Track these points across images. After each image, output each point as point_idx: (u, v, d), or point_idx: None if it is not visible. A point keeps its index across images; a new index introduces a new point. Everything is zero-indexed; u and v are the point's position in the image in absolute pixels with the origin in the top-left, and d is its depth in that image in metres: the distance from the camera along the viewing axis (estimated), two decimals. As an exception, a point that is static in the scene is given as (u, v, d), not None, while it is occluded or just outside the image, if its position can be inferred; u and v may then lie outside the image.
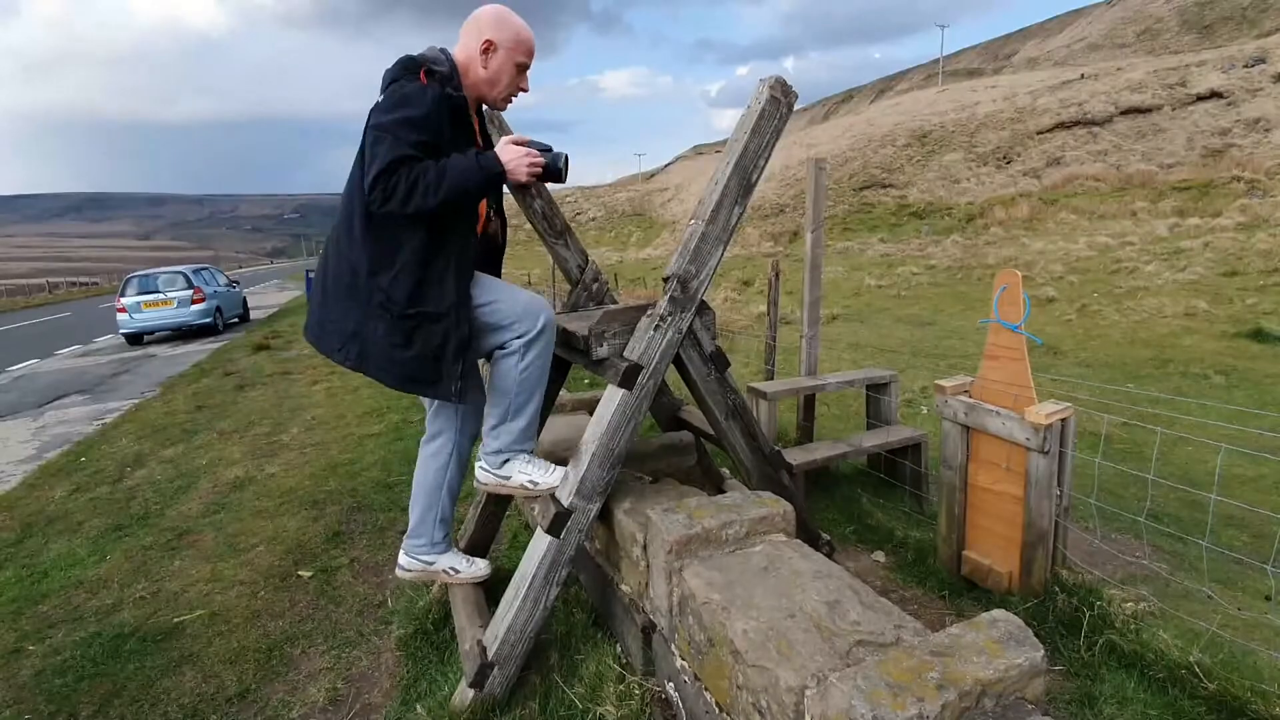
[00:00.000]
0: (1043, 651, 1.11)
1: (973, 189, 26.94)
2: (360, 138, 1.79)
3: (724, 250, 1.98)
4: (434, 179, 1.65)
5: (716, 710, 1.43)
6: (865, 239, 23.49)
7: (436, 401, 2.06)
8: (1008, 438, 2.41)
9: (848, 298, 13.87)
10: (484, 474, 2.07)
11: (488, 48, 1.88)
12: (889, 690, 1.01)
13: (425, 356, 1.79)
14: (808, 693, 1.12)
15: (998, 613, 1.21)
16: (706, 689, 1.47)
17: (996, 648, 1.10)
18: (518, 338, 1.94)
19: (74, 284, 47.65)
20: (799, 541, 1.67)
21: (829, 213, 28.92)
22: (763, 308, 12.20)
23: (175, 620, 2.71)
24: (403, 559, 2.20)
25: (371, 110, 1.76)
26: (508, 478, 2.03)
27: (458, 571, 2.21)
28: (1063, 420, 2.31)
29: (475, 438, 2.16)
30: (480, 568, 2.24)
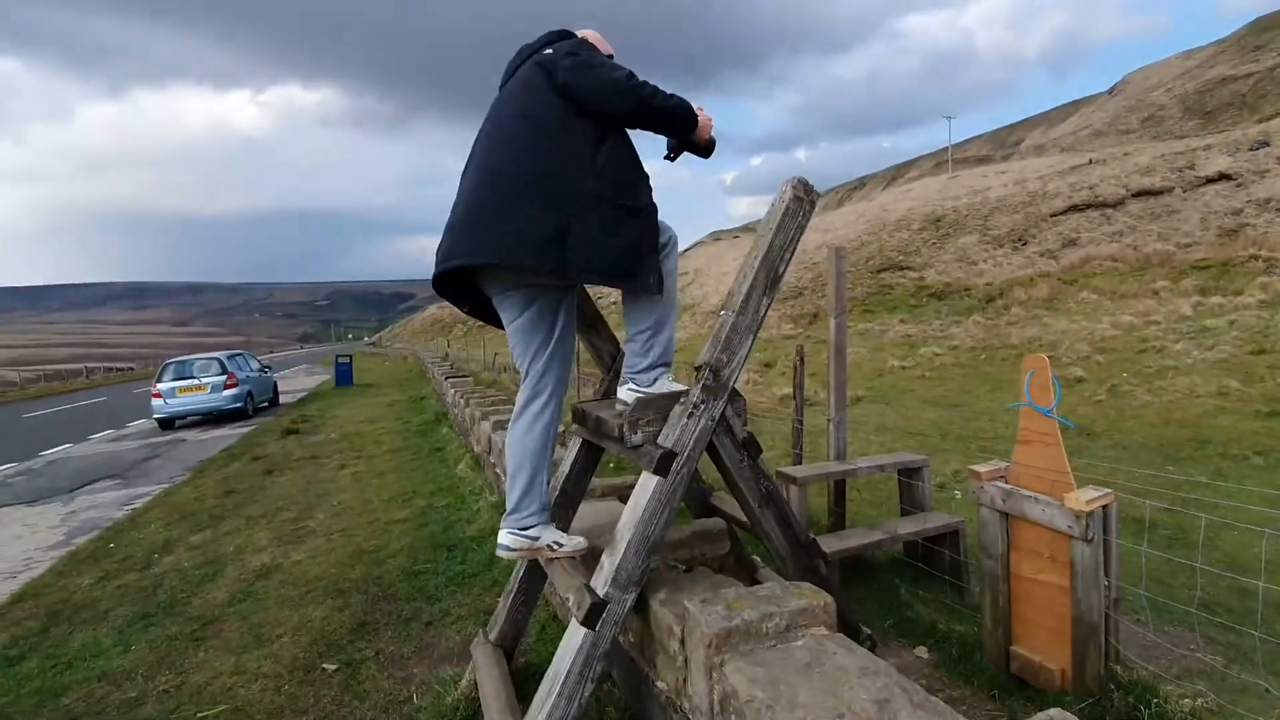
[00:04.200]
0: (1110, 758, 1.06)
1: (990, 270, 27.19)
2: (520, 81, 2.06)
3: (754, 339, 2.03)
4: (660, 92, 1.96)
5: (764, 820, 1.36)
6: (885, 320, 23.59)
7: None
8: (1049, 525, 2.36)
9: (871, 379, 13.81)
10: (513, 538, 2.10)
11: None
12: (950, 799, 0.97)
13: (629, 248, 1.95)
14: (863, 801, 1.07)
15: (1054, 712, 1.16)
16: (752, 796, 1.41)
17: (1060, 753, 1.05)
18: (549, 398, 2.10)
19: (110, 369, 49.12)
20: (842, 636, 1.63)
21: (848, 294, 29.17)
22: (785, 390, 12.18)
23: (198, 716, 2.65)
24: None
25: (535, 61, 2.04)
26: (536, 538, 2.09)
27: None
28: (1104, 507, 2.27)
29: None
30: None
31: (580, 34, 2.20)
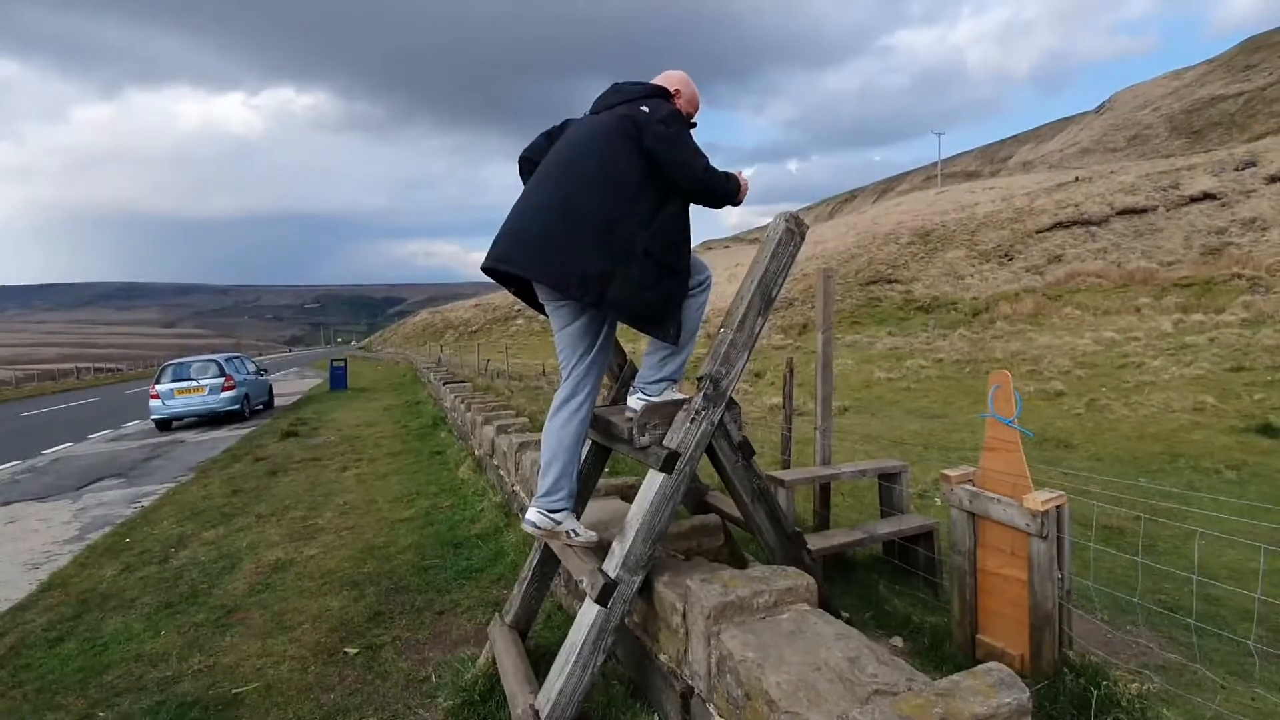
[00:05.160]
0: (1029, 694, 1.33)
1: (976, 285, 27.72)
2: (610, 125, 2.32)
3: (749, 354, 2.31)
4: (723, 177, 2.29)
5: (753, 760, 1.62)
6: (873, 332, 23.99)
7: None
8: (1009, 523, 2.63)
9: (858, 390, 14.13)
10: (541, 517, 2.39)
11: (674, 95, 2.46)
12: (901, 723, 1.23)
13: (659, 301, 2.26)
14: (834, 730, 1.33)
15: (992, 664, 1.43)
16: (744, 741, 1.66)
17: (990, 690, 1.32)
18: (585, 399, 2.39)
19: (99, 370, 48.93)
20: (822, 610, 1.89)
21: (837, 306, 29.73)
22: (774, 399, 12.47)
23: (233, 691, 2.88)
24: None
25: (632, 114, 2.28)
26: (559, 523, 2.40)
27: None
28: (1058, 507, 2.54)
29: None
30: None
31: (671, 86, 2.47)
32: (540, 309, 2.53)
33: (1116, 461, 7.62)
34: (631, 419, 2.34)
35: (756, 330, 2.30)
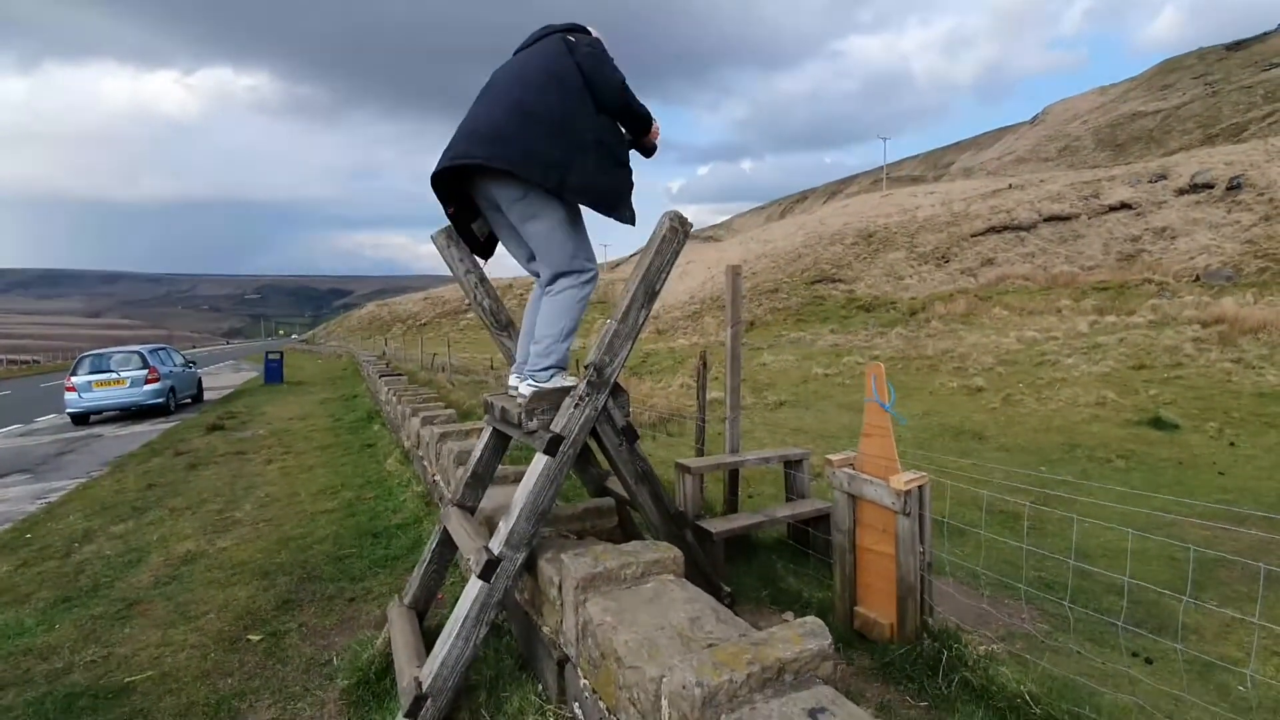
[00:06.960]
0: (830, 641, 1.49)
1: (915, 285, 28.73)
2: (546, 45, 2.52)
3: (633, 344, 2.44)
4: (639, 101, 2.50)
5: (607, 714, 1.75)
6: (817, 329, 24.62)
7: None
8: (879, 502, 2.84)
9: (796, 385, 14.52)
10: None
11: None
12: (714, 668, 1.38)
13: (614, 188, 2.44)
14: (663, 679, 1.47)
15: (809, 618, 1.59)
16: (600, 698, 1.79)
17: (799, 639, 1.47)
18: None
19: (13, 361, 46.16)
20: (684, 580, 2.04)
21: (784, 304, 30.43)
22: (716, 393, 12.74)
23: (126, 680, 2.86)
24: (519, 385, 2.58)
25: (562, 37, 2.51)
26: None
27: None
28: (920, 487, 2.76)
29: None
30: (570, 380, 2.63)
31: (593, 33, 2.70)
32: (472, 238, 2.77)
33: (1022, 452, 8.10)
34: (521, 404, 2.44)
35: (640, 322, 2.44)
